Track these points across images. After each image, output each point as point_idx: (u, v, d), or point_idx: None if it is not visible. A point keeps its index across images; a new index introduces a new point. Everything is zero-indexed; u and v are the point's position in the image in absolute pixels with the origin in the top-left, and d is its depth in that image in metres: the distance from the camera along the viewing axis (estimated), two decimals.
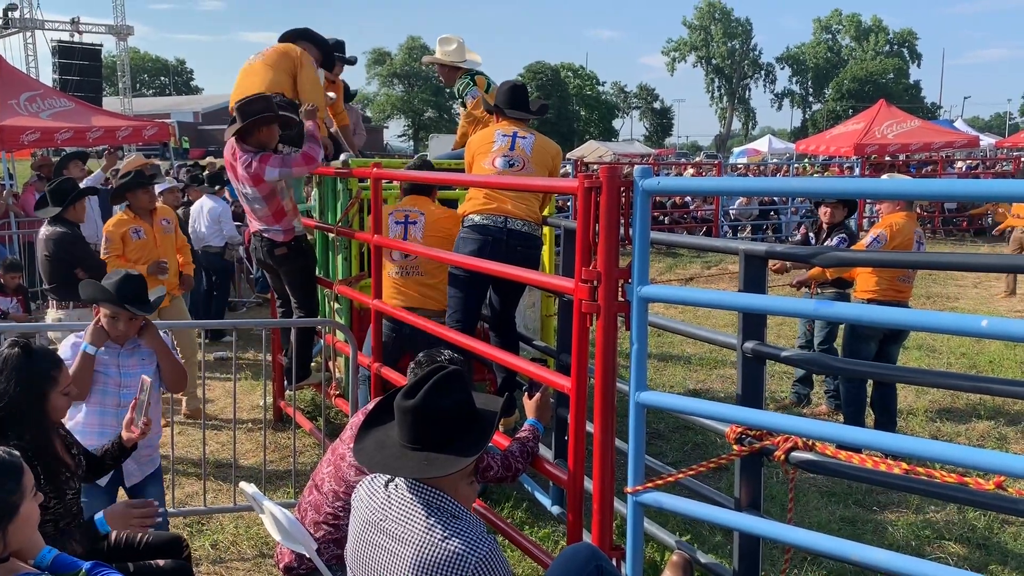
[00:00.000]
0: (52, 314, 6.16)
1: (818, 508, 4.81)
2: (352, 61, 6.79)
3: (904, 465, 2.47)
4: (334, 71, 6.53)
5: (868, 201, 18.34)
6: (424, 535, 2.21)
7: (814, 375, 6.91)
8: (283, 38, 5.99)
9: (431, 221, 4.85)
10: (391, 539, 2.27)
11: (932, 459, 2.28)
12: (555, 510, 4.18)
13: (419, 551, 2.18)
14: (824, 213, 6.36)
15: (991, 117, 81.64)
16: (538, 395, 3.38)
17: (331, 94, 6.39)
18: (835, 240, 6.14)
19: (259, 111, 4.96)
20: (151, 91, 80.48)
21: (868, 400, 5.97)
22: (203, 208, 8.84)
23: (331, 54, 6.25)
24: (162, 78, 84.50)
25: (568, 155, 33.80)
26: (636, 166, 2.85)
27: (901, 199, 5.71)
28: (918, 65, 73.06)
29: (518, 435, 3.33)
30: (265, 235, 5.21)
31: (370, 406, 2.75)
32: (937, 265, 3.00)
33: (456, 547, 2.17)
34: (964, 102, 73.70)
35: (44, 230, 6.23)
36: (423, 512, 2.24)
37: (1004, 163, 24.77)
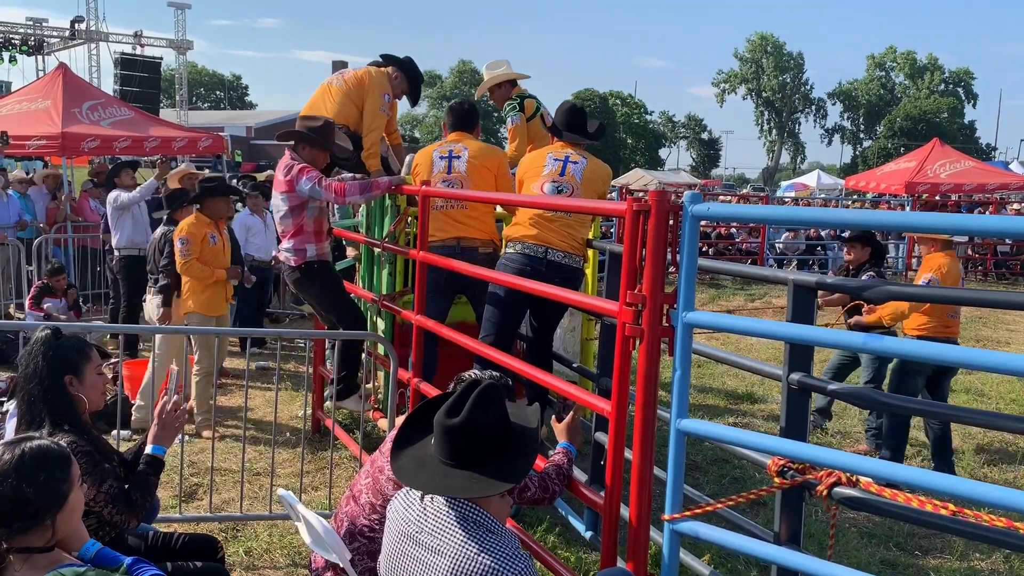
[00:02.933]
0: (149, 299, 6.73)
1: (858, 549, 4.70)
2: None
3: (952, 507, 2.41)
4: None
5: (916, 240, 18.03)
6: (460, 548, 2.20)
7: (832, 407, 6.90)
8: (384, 57, 6.08)
9: (474, 154, 4.94)
10: (426, 551, 2.27)
11: (981, 502, 2.22)
12: (588, 535, 4.14)
13: (454, 563, 2.18)
14: (846, 253, 6.44)
15: None
16: (568, 417, 3.36)
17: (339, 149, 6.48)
18: (864, 278, 6.10)
19: (310, 130, 5.05)
20: (207, 104, 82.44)
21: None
22: (237, 220, 9.00)
23: (419, 87, 6.24)
24: (218, 92, 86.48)
25: (613, 182, 33.82)
26: (686, 192, 2.84)
27: (943, 233, 5.65)
28: (973, 105, 71.87)
29: (552, 457, 3.31)
30: (282, 258, 5.27)
31: (401, 420, 2.75)
32: (988, 302, 2.94)
33: (491, 563, 2.16)
34: (1021, 144, 72.05)
35: (159, 231, 6.81)
36: (459, 526, 2.24)
37: None
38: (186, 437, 6.01)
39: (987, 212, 20.41)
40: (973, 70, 72.68)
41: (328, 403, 5.83)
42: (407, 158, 5.60)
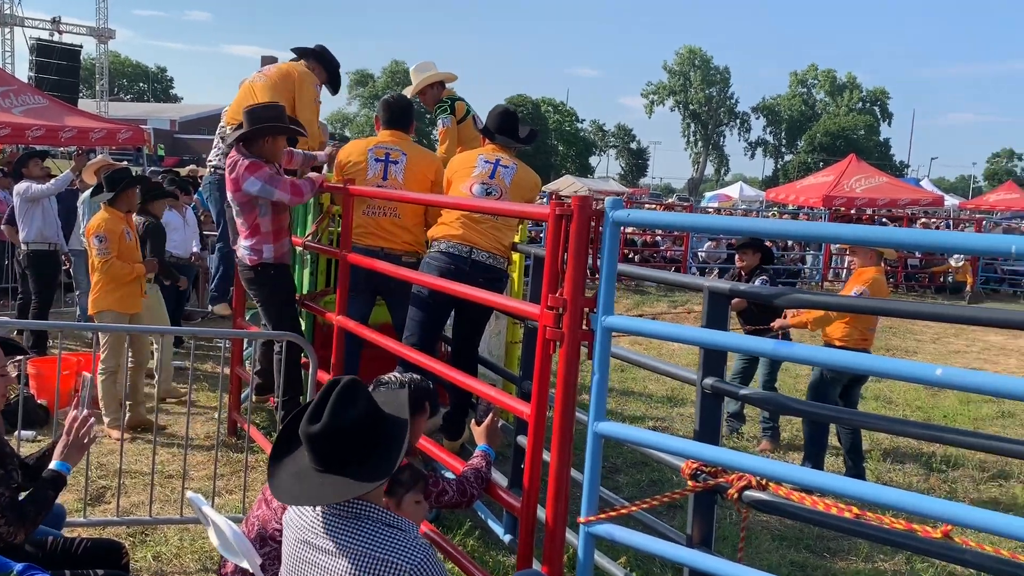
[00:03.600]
0: None
1: (769, 551, 4.82)
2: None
3: (855, 510, 2.49)
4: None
5: (835, 251, 18.65)
6: (358, 547, 2.18)
7: (745, 410, 7.14)
8: (295, 51, 5.97)
9: (412, 163, 4.85)
10: (325, 554, 2.23)
11: (884, 505, 2.30)
12: (507, 539, 4.14)
13: (354, 563, 2.16)
14: (738, 260, 6.72)
15: (956, 179, 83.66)
16: (488, 420, 3.35)
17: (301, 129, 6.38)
18: (757, 283, 6.35)
19: (269, 119, 4.76)
20: (129, 96, 79.78)
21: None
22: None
23: (337, 75, 6.13)
24: (141, 84, 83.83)
25: (544, 188, 34.04)
26: (607, 197, 2.87)
27: (865, 245, 5.88)
28: (888, 123, 74.71)
29: (471, 461, 3.30)
30: (239, 255, 5.11)
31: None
32: (899, 313, 3.04)
33: (390, 556, 2.15)
34: (931, 162, 75.25)
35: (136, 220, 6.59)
36: (355, 524, 2.22)
37: (967, 224, 25.36)
38: (97, 437, 5.79)
39: (899, 226, 21.24)
40: (889, 90, 75.65)
41: (245, 404, 5.70)
42: (329, 151, 5.48)
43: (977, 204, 29.49)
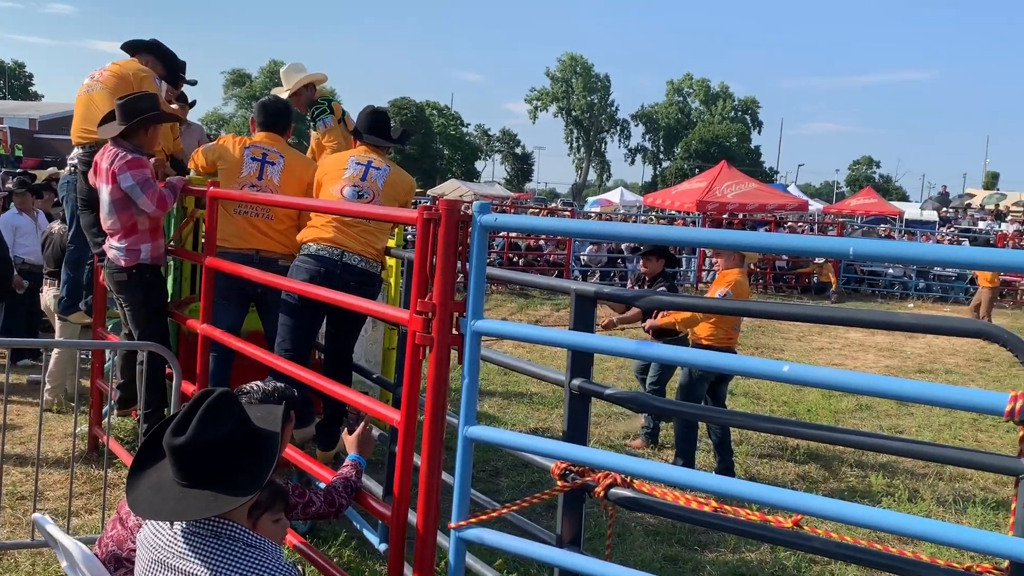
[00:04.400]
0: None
1: (643, 547, 4.94)
2: (192, 82, 6.51)
3: (714, 503, 2.58)
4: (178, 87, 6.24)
5: (709, 254, 19.37)
6: (217, 567, 2.09)
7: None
8: (126, 47, 5.69)
9: (290, 167, 4.75)
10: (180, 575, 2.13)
11: (741, 498, 2.39)
12: (383, 548, 4.08)
13: None
14: (642, 266, 6.89)
15: (821, 184, 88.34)
16: (359, 428, 3.29)
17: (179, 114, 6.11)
18: (658, 289, 6.56)
19: (146, 109, 4.64)
20: None
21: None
22: (4, 220, 8.22)
23: (176, 68, 5.94)
24: None
25: (429, 192, 33.91)
26: (475, 201, 2.87)
27: (721, 248, 6.17)
28: (759, 131, 78.29)
29: (341, 470, 3.23)
30: (110, 256, 4.85)
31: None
32: (757, 313, 3.18)
33: None
34: (798, 169, 79.63)
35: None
36: (215, 544, 2.13)
37: (830, 228, 26.86)
38: None
39: (767, 231, 22.28)
40: (759, 100, 79.28)
41: (106, 420, 5.41)
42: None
43: (840, 208, 31.23)
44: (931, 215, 30.96)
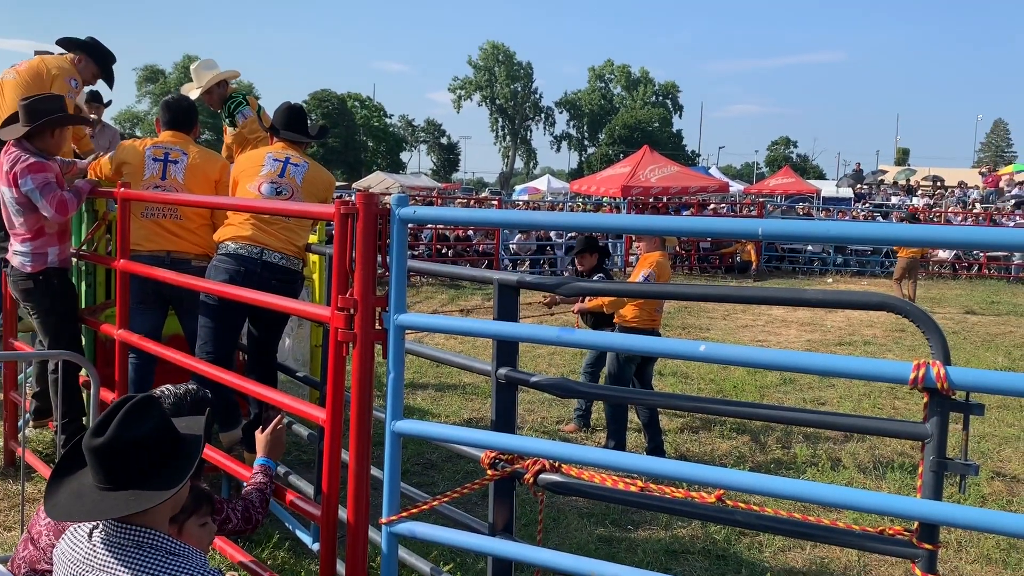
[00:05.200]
0: None
1: (577, 529, 5.01)
2: (107, 103, 6.29)
3: (639, 483, 2.63)
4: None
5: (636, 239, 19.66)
6: None
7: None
8: (61, 43, 5.48)
9: (193, 163, 4.65)
10: None
11: (666, 476, 2.45)
12: (316, 547, 4.05)
13: None
14: (578, 263, 6.99)
15: (742, 166, 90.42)
16: (269, 428, 3.23)
17: (93, 116, 5.92)
18: (596, 278, 6.68)
19: (51, 111, 4.48)
20: None
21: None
22: None
23: (111, 71, 5.72)
24: None
25: (355, 185, 33.50)
26: (393, 195, 2.86)
27: (640, 233, 6.32)
28: (680, 116, 79.58)
29: (252, 479, 3.16)
30: (15, 263, 4.67)
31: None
32: (675, 295, 3.26)
33: None
34: (719, 151, 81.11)
35: None
36: (136, 554, 2.08)
37: (750, 207, 27.52)
38: None
39: (691, 213, 22.70)
40: (679, 84, 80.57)
41: (22, 433, 5.22)
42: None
43: (759, 189, 31.98)
44: (847, 192, 31.96)
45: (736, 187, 34.22)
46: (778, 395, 8.53)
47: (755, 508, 2.53)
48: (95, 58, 5.52)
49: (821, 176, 60.28)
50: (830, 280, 20.69)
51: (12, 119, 4.59)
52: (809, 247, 22.31)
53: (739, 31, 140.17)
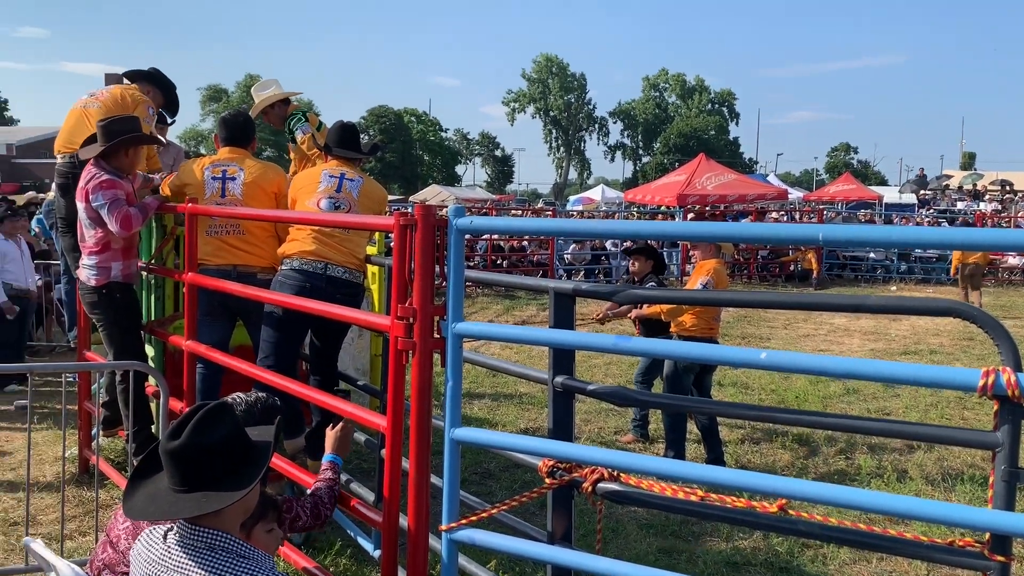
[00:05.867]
0: None
1: (637, 540, 4.97)
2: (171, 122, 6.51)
3: (700, 492, 2.61)
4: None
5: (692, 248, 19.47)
6: None
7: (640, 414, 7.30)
8: (128, 76, 5.71)
9: (251, 178, 4.76)
10: None
11: (726, 485, 2.42)
12: (377, 554, 4.10)
13: None
14: (631, 264, 6.96)
15: (801, 173, 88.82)
16: (339, 427, 3.32)
17: (161, 137, 6.13)
18: (648, 287, 6.64)
19: (125, 131, 4.68)
20: None
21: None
22: None
23: (176, 99, 5.95)
24: None
25: (411, 199, 33.90)
26: (451, 205, 2.90)
27: (697, 240, 6.27)
28: (736, 123, 78.54)
29: (320, 475, 3.24)
30: (82, 277, 4.86)
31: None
32: (733, 302, 3.23)
33: None
34: (778, 158, 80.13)
35: None
36: (207, 556, 2.15)
37: (810, 215, 27.03)
38: None
39: (750, 221, 22.39)
40: (735, 91, 79.62)
41: (95, 441, 5.40)
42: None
43: (819, 196, 31.40)
44: (910, 198, 31.13)
45: (795, 194, 33.66)
46: (841, 405, 8.35)
47: (818, 519, 2.49)
48: (160, 88, 5.74)
49: (883, 182, 58.98)
50: (894, 288, 20.17)
51: (91, 139, 4.80)
52: (871, 254, 21.79)
53: (796, 37, 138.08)
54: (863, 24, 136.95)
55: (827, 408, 8.19)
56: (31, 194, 14.91)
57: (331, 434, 3.31)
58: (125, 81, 5.78)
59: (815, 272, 20.32)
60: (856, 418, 2.55)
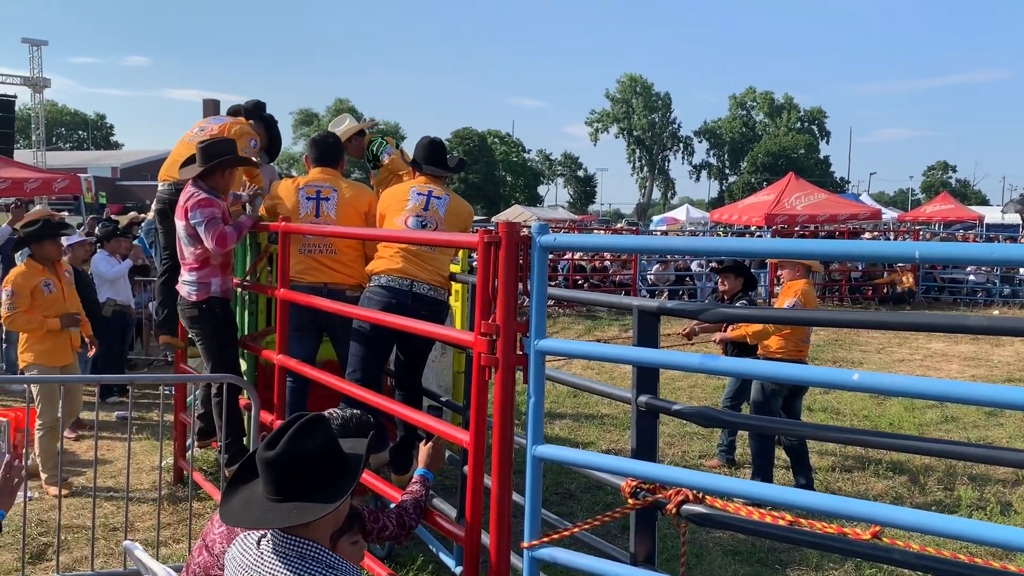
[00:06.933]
0: None
1: (722, 566, 4.85)
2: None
3: (788, 517, 2.54)
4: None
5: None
6: None
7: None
8: (237, 110, 5.95)
9: (344, 198, 4.89)
10: None
11: (815, 511, 2.35)
12: (459, 571, 4.11)
13: None
14: (720, 283, 6.84)
15: (895, 192, 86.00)
16: (431, 443, 3.36)
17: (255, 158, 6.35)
18: (739, 305, 6.49)
19: (222, 153, 4.90)
20: (68, 145, 78.65)
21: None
22: (95, 264, 8.62)
23: (279, 143, 6.17)
24: (80, 132, 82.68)
25: (494, 219, 34.23)
26: (534, 223, 2.92)
27: (786, 258, 6.13)
28: (827, 141, 76.64)
29: (409, 488, 3.29)
30: (183, 292, 5.06)
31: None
32: (823, 322, 3.14)
33: None
34: (871, 178, 77.70)
35: None
36: (298, 564, 2.20)
37: (905, 235, 26.08)
38: (34, 495, 5.64)
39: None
40: (825, 109, 77.76)
41: (189, 452, 5.60)
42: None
43: (915, 216, 30.29)
44: (1013, 218, 29.68)
45: (889, 215, 32.56)
46: (939, 433, 7.99)
47: (915, 548, 2.39)
48: (268, 131, 5.96)
49: (984, 202, 56.44)
50: (996, 312, 19.22)
51: (190, 160, 5.01)
52: (972, 276, 20.83)
53: (888, 52, 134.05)
54: (960, 38, 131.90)
55: (923, 435, 7.86)
56: (133, 214, 15.65)
57: (424, 449, 3.36)
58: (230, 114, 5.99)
59: (911, 289, 19.52)
60: (958, 443, 2.44)
